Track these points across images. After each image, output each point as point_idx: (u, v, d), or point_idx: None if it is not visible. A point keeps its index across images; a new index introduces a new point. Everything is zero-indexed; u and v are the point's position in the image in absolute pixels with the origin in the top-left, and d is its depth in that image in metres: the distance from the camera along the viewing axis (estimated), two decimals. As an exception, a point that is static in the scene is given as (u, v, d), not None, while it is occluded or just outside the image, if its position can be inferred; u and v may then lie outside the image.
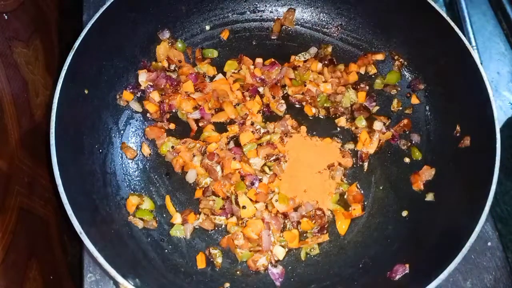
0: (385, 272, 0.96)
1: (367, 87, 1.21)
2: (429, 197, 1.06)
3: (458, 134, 1.06)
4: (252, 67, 1.23)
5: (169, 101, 1.17)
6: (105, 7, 1.04)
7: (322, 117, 1.19)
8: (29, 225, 0.95)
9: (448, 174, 1.05)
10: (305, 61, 1.24)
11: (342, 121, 1.17)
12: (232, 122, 1.17)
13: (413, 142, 1.15)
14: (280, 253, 1.02)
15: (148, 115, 1.17)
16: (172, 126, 1.16)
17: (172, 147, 1.13)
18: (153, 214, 1.06)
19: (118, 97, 1.15)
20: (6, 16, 0.97)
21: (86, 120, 1.05)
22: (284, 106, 1.19)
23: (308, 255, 1.04)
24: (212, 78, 1.22)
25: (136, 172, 1.11)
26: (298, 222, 1.06)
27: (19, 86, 1.00)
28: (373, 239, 1.05)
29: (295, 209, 1.07)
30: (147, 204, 1.06)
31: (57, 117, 0.93)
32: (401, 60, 1.22)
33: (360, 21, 1.26)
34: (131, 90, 1.16)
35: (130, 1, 1.11)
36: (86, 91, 1.04)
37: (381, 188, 1.11)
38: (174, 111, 1.18)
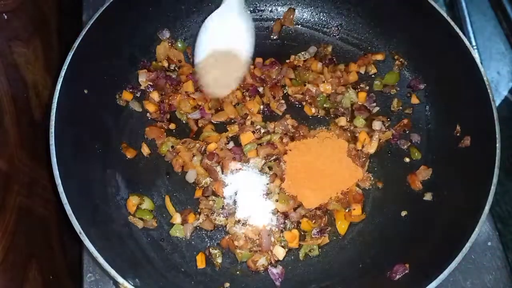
0: (385, 272, 0.96)
1: (367, 87, 1.21)
2: (427, 196, 1.06)
3: (458, 134, 1.06)
4: (252, 66, 1.23)
5: (169, 101, 1.17)
6: (105, 7, 1.04)
7: (322, 117, 1.19)
8: (29, 225, 0.95)
9: (448, 174, 1.05)
10: (305, 61, 1.24)
11: (342, 121, 1.17)
12: (232, 122, 1.17)
13: (413, 142, 1.15)
14: (280, 253, 1.02)
15: (148, 115, 1.17)
16: (172, 126, 1.16)
17: (172, 147, 1.13)
18: (153, 214, 1.06)
19: (118, 97, 1.15)
20: (6, 16, 0.97)
21: (86, 120, 1.05)
22: (284, 106, 1.19)
23: (308, 256, 1.04)
24: (212, 78, 1.22)
25: (136, 172, 1.11)
26: (298, 222, 1.06)
27: (19, 86, 1.00)
28: (373, 239, 1.05)
29: (295, 209, 1.07)
30: (147, 204, 1.06)
31: (57, 117, 0.93)
32: (401, 60, 1.22)
33: (360, 21, 1.26)
34: (131, 90, 1.16)
35: (130, 1, 1.11)
36: (85, 91, 1.04)
37: (381, 188, 1.11)
38: (174, 111, 1.18)
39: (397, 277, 0.94)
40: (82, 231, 0.85)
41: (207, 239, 1.05)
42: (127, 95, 1.15)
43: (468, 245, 0.86)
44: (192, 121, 1.17)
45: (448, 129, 1.08)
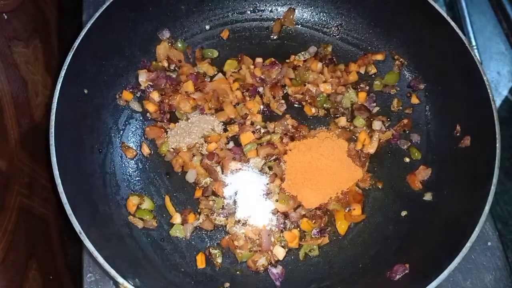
0: (385, 272, 0.96)
1: (367, 87, 1.21)
2: (427, 196, 1.06)
3: (458, 134, 1.06)
4: (252, 66, 1.23)
5: (169, 101, 1.17)
6: (104, 7, 1.04)
7: (322, 117, 1.19)
8: (29, 225, 0.95)
9: (448, 174, 1.05)
10: (304, 61, 1.24)
11: (342, 121, 1.17)
12: (232, 122, 1.17)
13: (413, 142, 1.15)
14: (280, 253, 1.02)
15: (148, 115, 1.17)
16: (172, 126, 1.16)
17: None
18: (153, 214, 1.06)
19: (117, 96, 1.15)
20: (6, 16, 0.97)
21: (86, 120, 1.05)
22: (284, 106, 1.19)
23: (308, 256, 1.04)
24: (212, 78, 1.22)
25: (136, 172, 1.11)
26: (298, 222, 1.06)
27: (19, 86, 1.00)
28: (373, 239, 1.05)
29: (295, 209, 1.07)
30: (147, 204, 1.06)
31: (57, 117, 0.93)
32: (401, 60, 1.22)
33: (360, 21, 1.26)
34: (130, 90, 1.16)
35: (130, 1, 1.11)
36: (85, 91, 1.04)
37: (381, 188, 1.11)
38: (174, 111, 1.18)
39: (397, 277, 0.94)
40: (82, 231, 0.85)
41: (207, 239, 1.05)
42: (127, 95, 1.15)
43: (468, 245, 0.86)
44: (192, 121, 1.17)
45: (448, 129, 1.08)
